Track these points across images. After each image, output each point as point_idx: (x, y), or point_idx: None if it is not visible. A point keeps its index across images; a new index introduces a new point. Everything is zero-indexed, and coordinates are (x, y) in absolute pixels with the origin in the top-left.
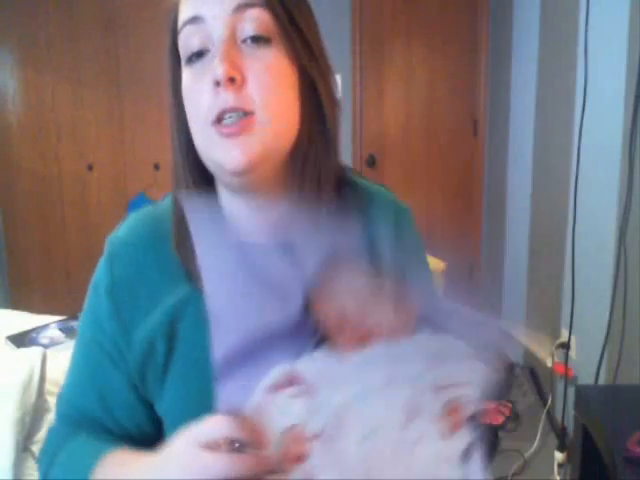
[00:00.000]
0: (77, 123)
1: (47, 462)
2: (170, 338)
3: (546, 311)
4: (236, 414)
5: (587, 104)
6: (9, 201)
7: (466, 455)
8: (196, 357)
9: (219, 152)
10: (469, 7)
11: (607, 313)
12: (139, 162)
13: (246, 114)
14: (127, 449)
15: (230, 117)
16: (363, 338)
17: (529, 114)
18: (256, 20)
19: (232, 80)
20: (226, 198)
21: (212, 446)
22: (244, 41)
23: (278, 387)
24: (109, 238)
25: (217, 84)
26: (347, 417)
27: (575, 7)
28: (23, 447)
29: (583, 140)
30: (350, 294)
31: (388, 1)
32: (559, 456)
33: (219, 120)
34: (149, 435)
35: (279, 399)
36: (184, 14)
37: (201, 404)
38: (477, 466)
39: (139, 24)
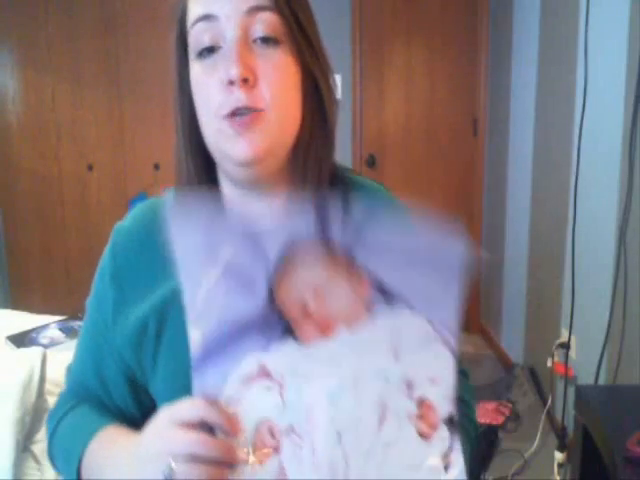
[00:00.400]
0: (77, 123)
1: (52, 427)
2: (161, 321)
3: (546, 311)
4: (213, 399)
5: (587, 104)
6: (9, 201)
7: (445, 459)
8: (183, 342)
9: (228, 144)
10: (469, 7)
11: (607, 313)
12: (139, 162)
13: (256, 111)
14: (122, 426)
15: (242, 113)
16: (324, 329)
17: (529, 114)
18: (266, 22)
19: (245, 80)
20: (227, 190)
21: (187, 426)
22: (254, 41)
23: (251, 379)
24: (115, 226)
25: (231, 83)
26: (319, 414)
27: (575, 8)
28: (23, 447)
29: (583, 140)
30: (309, 283)
31: (388, 1)
32: (559, 456)
33: (231, 115)
34: (140, 421)
35: (252, 391)
36: (196, 10)
37: (189, 387)
38: (459, 473)
39: (139, 24)
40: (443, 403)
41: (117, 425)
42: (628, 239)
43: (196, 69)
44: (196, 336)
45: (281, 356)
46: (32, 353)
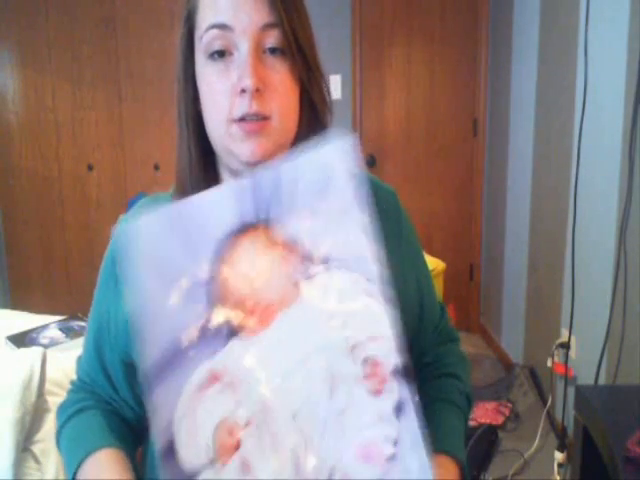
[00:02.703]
0: (77, 123)
1: (62, 422)
2: None
3: (546, 311)
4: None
5: (587, 104)
6: (9, 201)
7: (399, 410)
8: None
9: (236, 145)
10: (469, 7)
11: (607, 313)
12: (139, 162)
13: (264, 118)
14: (116, 452)
15: (250, 118)
16: (264, 319)
17: (529, 114)
18: (275, 37)
19: (257, 90)
20: (228, 180)
21: None
22: (264, 51)
23: (203, 387)
24: (119, 217)
25: (243, 92)
26: (272, 400)
27: (575, 7)
28: (23, 447)
29: (583, 140)
30: (245, 277)
31: (388, 1)
32: (559, 456)
33: (240, 120)
34: (136, 410)
35: (206, 398)
36: (211, 17)
37: None
38: (412, 420)
39: (139, 24)
40: (388, 356)
41: (107, 451)
42: (628, 239)
43: (207, 70)
44: (147, 352)
45: (228, 358)
46: (32, 353)
